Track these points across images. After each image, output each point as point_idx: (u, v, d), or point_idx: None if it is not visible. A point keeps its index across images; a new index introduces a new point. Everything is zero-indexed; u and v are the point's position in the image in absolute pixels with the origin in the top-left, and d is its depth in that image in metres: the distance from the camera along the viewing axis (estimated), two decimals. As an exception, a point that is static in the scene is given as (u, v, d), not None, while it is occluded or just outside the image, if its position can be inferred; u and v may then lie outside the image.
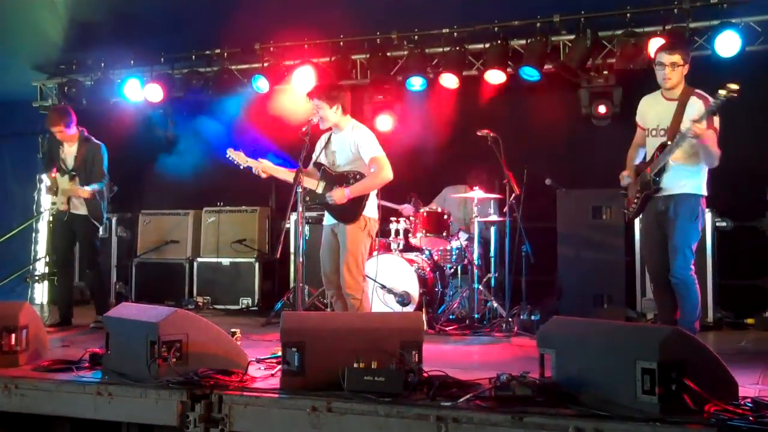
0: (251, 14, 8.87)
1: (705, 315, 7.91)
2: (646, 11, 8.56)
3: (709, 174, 5.83)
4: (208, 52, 10.44)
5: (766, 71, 8.26)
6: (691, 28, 8.43)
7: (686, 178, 5.73)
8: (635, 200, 6.01)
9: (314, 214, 9.40)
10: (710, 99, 5.49)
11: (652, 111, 5.95)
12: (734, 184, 8.04)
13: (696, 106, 5.65)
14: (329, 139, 6.51)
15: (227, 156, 6.53)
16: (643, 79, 8.51)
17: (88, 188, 7.83)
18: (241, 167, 6.51)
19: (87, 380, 4.85)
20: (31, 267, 11.12)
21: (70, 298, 8.24)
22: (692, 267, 5.68)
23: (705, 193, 5.80)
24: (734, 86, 5.24)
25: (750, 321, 8.07)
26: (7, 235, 10.23)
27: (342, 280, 6.22)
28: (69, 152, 8.00)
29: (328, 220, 6.49)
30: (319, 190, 6.32)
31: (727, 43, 8.11)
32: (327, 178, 6.37)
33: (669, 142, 5.70)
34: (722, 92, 5.28)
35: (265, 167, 6.41)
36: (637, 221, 8.05)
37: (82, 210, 7.91)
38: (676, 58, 5.72)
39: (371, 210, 6.38)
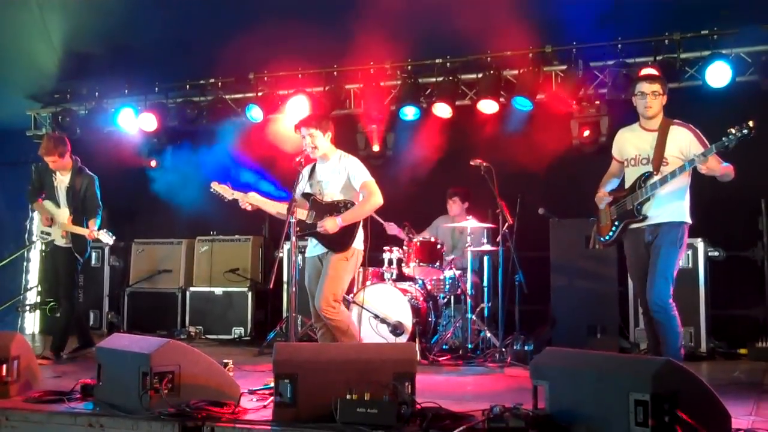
0: (245, 44, 8.90)
1: (698, 345, 7.92)
2: (637, 42, 8.66)
3: (692, 202, 5.86)
4: (202, 81, 10.49)
5: (756, 102, 8.31)
6: (682, 59, 8.52)
7: (670, 206, 5.76)
8: (611, 229, 6.03)
9: (308, 243, 9.40)
10: (693, 128, 5.69)
11: (630, 143, 6.00)
12: (726, 214, 8.08)
13: (680, 136, 5.74)
14: (313, 169, 6.57)
15: (212, 189, 6.56)
16: (633, 110, 8.63)
17: (95, 230, 7.75)
18: (227, 200, 6.53)
19: (78, 411, 4.82)
20: (21, 296, 11.07)
21: (76, 325, 8.10)
22: (671, 294, 5.67)
23: (689, 220, 5.81)
24: (751, 123, 5.31)
25: (743, 351, 8.06)
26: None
27: (318, 301, 6.21)
28: (62, 181, 7.95)
29: (313, 250, 6.52)
30: (309, 220, 6.34)
31: (718, 74, 8.18)
32: (316, 207, 6.40)
33: (655, 173, 5.74)
34: (741, 131, 5.33)
35: (251, 200, 6.44)
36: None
37: (65, 242, 7.83)
38: (657, 87, 5.81)
39: (360, 241, 6.42)
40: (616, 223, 6.00)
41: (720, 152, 5.53)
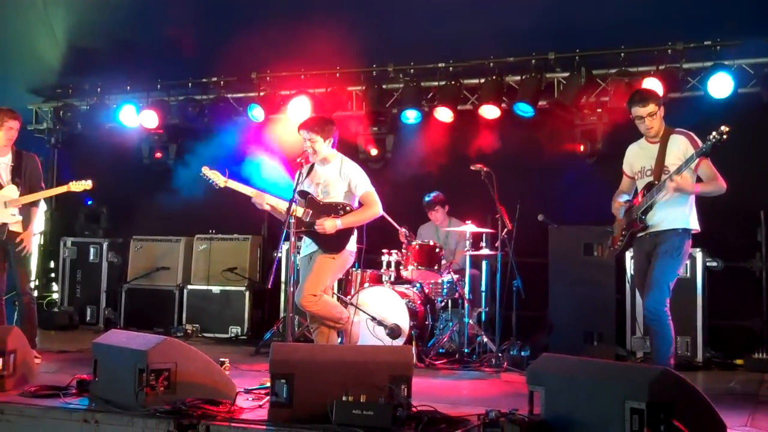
0: (248, 43, 8.92)
1: (694, 355, 7.92)
2: (640, 51, 8.67)
3: (698, 209, 5.87)
4: (204, 79, 10.49)
5: (757, 113, 8.34)
6: (684, 69, 8.53)
7: (671, 213, 5.78)
8: (621, 238, 6.09)
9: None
10: (692, 134, 5.73)
11: (637, 157, 6.07)
12: (725, 224, 8.08)
13: (677, 143, 5.78)
14: (311, 169, 6.58)
15: (202, 174, 6.55)
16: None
17: (30, 196, 7.16)
18: (218, 187, 6.54)
19: (74, 407, 4.82)
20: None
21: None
22: (667, 303, 5.67)
23: (693, 226, 5.82)
24: (725, 128, 5.33)
25: (739, 362, 8.06)
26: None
27: (298, 297, 6.23)
28: (2, 163, 7.26)
29: (306, 249, 6.57)
30: (306, 218, 6.36)
31: (720, 85, 8.19)
32: (313, 206, 6.43)
33: (656, 182, 5.79)
34: (712, 135, 5.40)
35: (268, 200, 6.48)
36: (629, 259, 8.12)
37: (16, 227, 7.18)
38: (651, 108, 5.82)
39: (352, 243, 6.47)
40: (624, 232, 6.05)
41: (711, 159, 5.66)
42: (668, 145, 5.81)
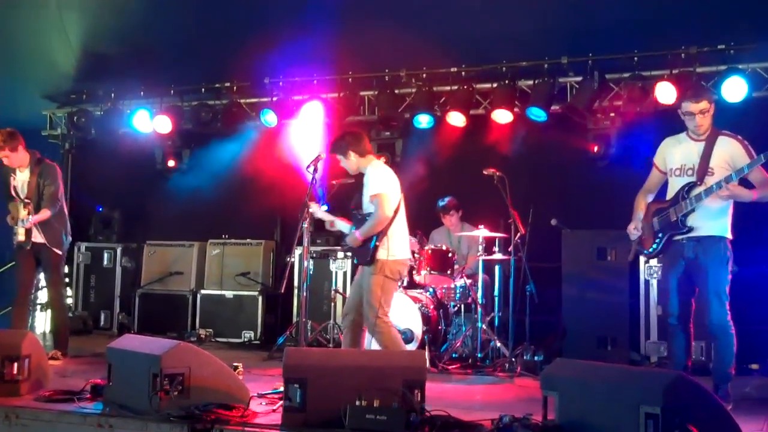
0: (261, 49, 8.95)
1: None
2: (653, 55, 8.63)
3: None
4: (217, 85, 10.53)
5: (771, 117, 8.29)
6: (698, 73, 8.48)
7: (713, 219, 5.63)
8: (655, 240, 5.88)
9: (319, 248, 9.43)
10: (743, 140, 5.58)
11: (677, 151, 5.85)
12: (742, 228, 8.03)
13: (726, 146, 5.61)
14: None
15: (310, 210, 6.55)
16: (647, 122, 8.61)
17: (33, 217, 7.39)
18: (315, 216, 6.66)
19: (88, 411, 4.85)
20: (32, 296, 11.07)
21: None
22: (729, 312, 5.58)
23: (730, 235, 5.69)
24: None
25: (754, 366, 8.01)
26: (8, 266, 10.21)
27: (365, 314, 6.32)
28: (21, 179, 7.58)
29: None
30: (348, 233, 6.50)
31: (734, 89, 8.15)
32: (356, 220, 6.52)
33: (698, 183, 5.64)
34: None
35: (337, 225, 6.63)
36: (642, 263, 8.10)
37: (40, 238, 7.51)
38: (704, 104, 5.65)
39: (390, 252, 6.33)
40: (660, 235, 5.85)
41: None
42: (715, 146, 5.62)
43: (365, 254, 6.33)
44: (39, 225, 7.49)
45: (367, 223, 6.31)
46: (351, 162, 6.49)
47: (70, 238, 7.93)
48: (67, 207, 7.92)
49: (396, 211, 6.39)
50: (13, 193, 7.54)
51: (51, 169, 7.65)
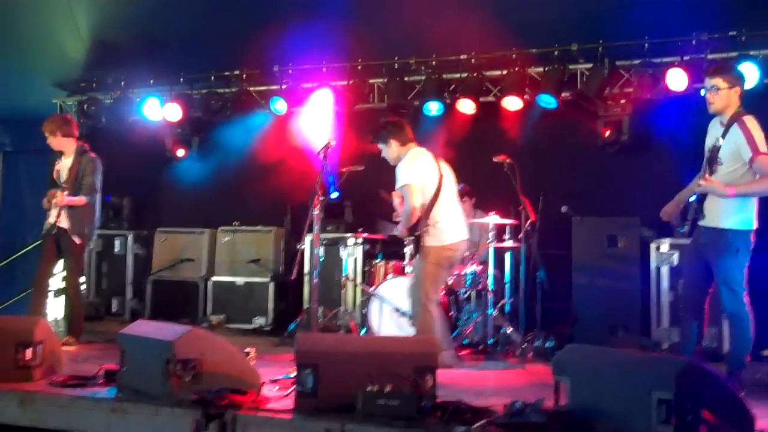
0: (270, 36, 8.95)
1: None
2: (664, 42, 8.58)
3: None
4: (227, 73, 10.52)
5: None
6: (709, 60, 8.42)
7: (718, 210, 5.51)
8: (684, 222, 5.77)
9: (330, 235, 9.43)
10: (749, 130, 5.36)
11: (709, 134, 5.70)
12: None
13: (735, 136, 5.42)
14: None
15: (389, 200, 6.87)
16: (657, 109, 8.57)
17: (67, 198, 7.55)
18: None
19: (101, 397, 4.88)
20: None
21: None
22: (745, 300, 5.48)
23: (740, 227, 5.48)
24: None
25: (766, 352, 7.99)
26: (23, 251, 10.26)
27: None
28: (64, 165, 7.80)
29: None
30: None
31: (746, 76, 8.07)
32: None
33: (707, 171, 5.54)
34: None
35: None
36: (653, 250, 8.10)
37: (64, 223, 7.64)
38: (717, 81, 5.47)
39: (437, 239, 6.50)
40: (687, 218, 5.71)
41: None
42: (727, 134, 5.45)
43: (415, 244, 6.58)
44: (67, 210, 7.63)
45: (401, 217, 6.54)
46: (392, 150, 6.61)
47: (95, 234, 8.12)
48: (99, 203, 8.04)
49: (435, 197, 6.44)
50: (55, 176, 7.78)
51: (91, 161, 7.81)
